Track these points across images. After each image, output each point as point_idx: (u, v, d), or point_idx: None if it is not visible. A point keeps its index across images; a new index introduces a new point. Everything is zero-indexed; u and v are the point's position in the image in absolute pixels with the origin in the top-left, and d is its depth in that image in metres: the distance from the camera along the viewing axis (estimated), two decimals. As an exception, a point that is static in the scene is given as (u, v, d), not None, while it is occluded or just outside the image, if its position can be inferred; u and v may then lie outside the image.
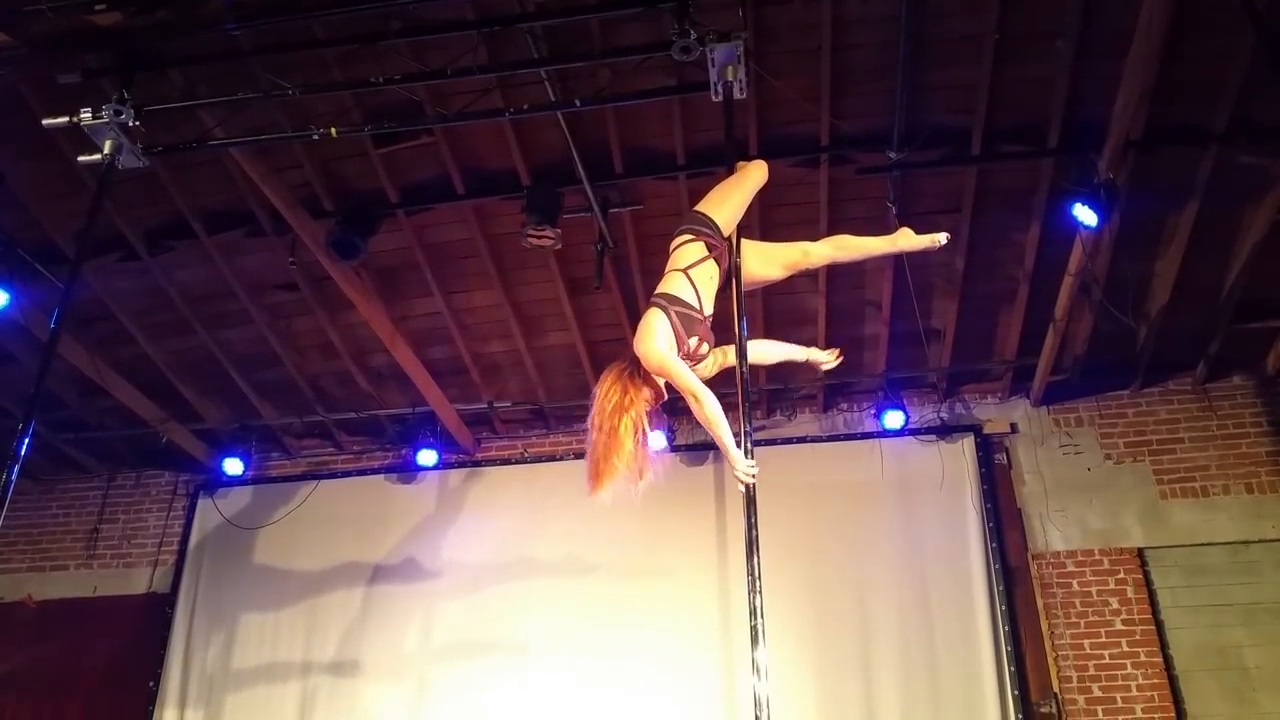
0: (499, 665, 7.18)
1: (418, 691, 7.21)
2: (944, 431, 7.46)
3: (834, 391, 7.76)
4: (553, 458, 8.05)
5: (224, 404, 7.92)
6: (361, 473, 8.23)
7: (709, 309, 3.52)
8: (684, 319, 3.42)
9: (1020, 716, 6.53)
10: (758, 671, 3.24)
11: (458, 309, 7.04)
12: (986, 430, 7.51)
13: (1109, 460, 7.33)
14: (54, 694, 7.69)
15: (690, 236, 3.59)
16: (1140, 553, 7.00)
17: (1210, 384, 7.35)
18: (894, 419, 7.30)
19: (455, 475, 8.06)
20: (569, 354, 7.37)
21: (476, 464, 8.12)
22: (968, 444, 7.41)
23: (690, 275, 3.50)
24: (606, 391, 3.44)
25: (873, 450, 7.49)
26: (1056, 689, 6.69)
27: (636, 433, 3.40)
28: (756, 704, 3.24)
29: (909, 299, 6.61)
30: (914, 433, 7.45)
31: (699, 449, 7.77)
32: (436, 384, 7.36)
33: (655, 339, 3.36)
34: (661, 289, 3.51)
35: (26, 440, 5.01)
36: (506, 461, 8.12)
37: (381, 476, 8.15)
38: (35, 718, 7.66)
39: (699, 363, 3.53)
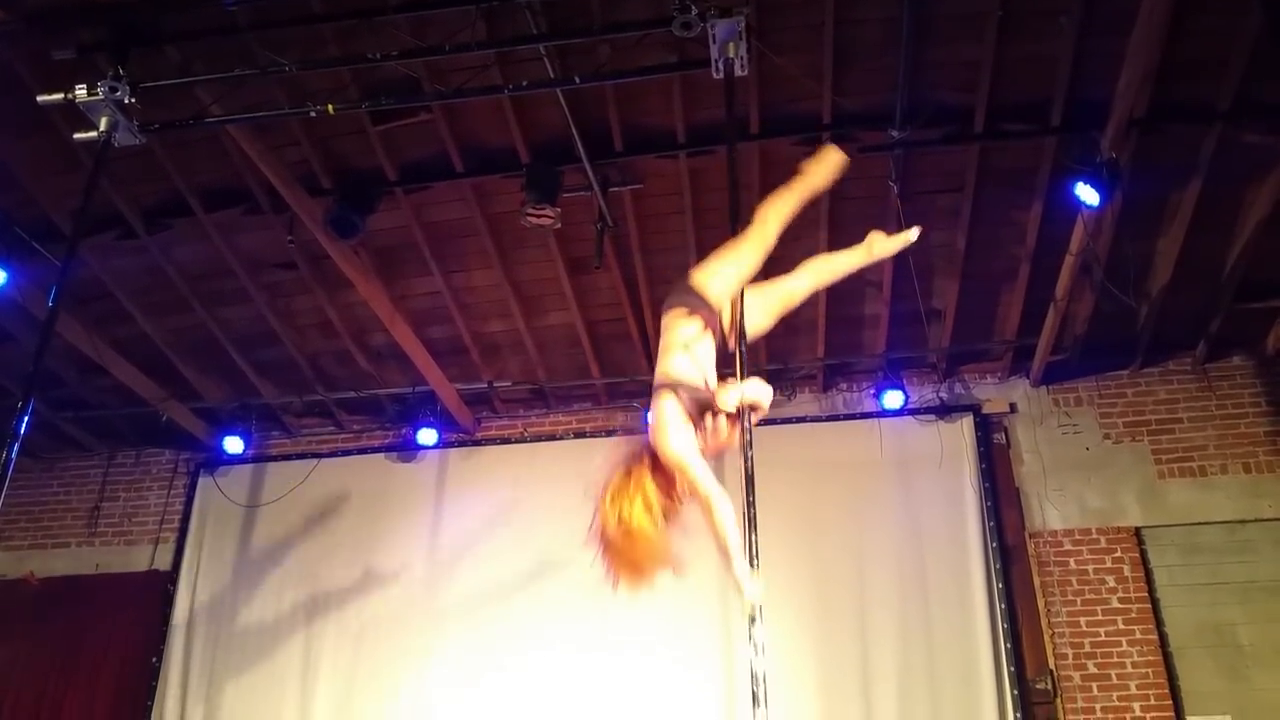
0: (501, 637, 7.22)
1: (420, 666, 7.26)
2: (943, 411, 7.47)
3: (833, 371, 7.76)
4: (552, 437, 8.07)
5: (223, 382, 7.92)
6: (362, 451, 8.24)
7: (714, 381, 3.29)
8: (695, 402, 3.18)
9: (1016, 692, 6.58)
10: (756, 647, 3.25)
11: (457, 288, 7.03)
12: (985, 410, 7.52)
13: (1107, 440, 7.35)
14: (58, 670, 7.72)
15: (684, 310, 3.34)
16: (1137, 531, 7.03)
17: (1210, 364, 7.35)
18: (893, 399, 7.31)
19: (455, 454, 8.06)
20: (569, 333, 7.36)
21: (476, 443, 8.13)
22: (966, 424, 7.43)
23: (690, 351, 3.25)
24: (613, 491, 3.10)
25: (872, 430, 7.50)
26: (1052, 665, 6.73)
27: (652, 514, 3.07)
28: (754, 679, 3.27)
29: (909, 279, 6.60)
30: (913, 413, 7.46)
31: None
32: (436, 363, 7.35)
33: (672, 432, 3.10)
34: (664, 370, 3.25)
35: (26, 418, 5.02)
36: (506, 441, 8.13)
37: (382, 455, 8.16)
38: (39, 694, 7.68)
39: (721, 437, 3.25)
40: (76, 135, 4.73)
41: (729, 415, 3.22)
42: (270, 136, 5.62)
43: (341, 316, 7.19)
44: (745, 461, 3.21)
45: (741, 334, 3.37)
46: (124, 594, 7.96)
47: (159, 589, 7.90)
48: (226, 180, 6.13)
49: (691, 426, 3.15)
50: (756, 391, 3.20)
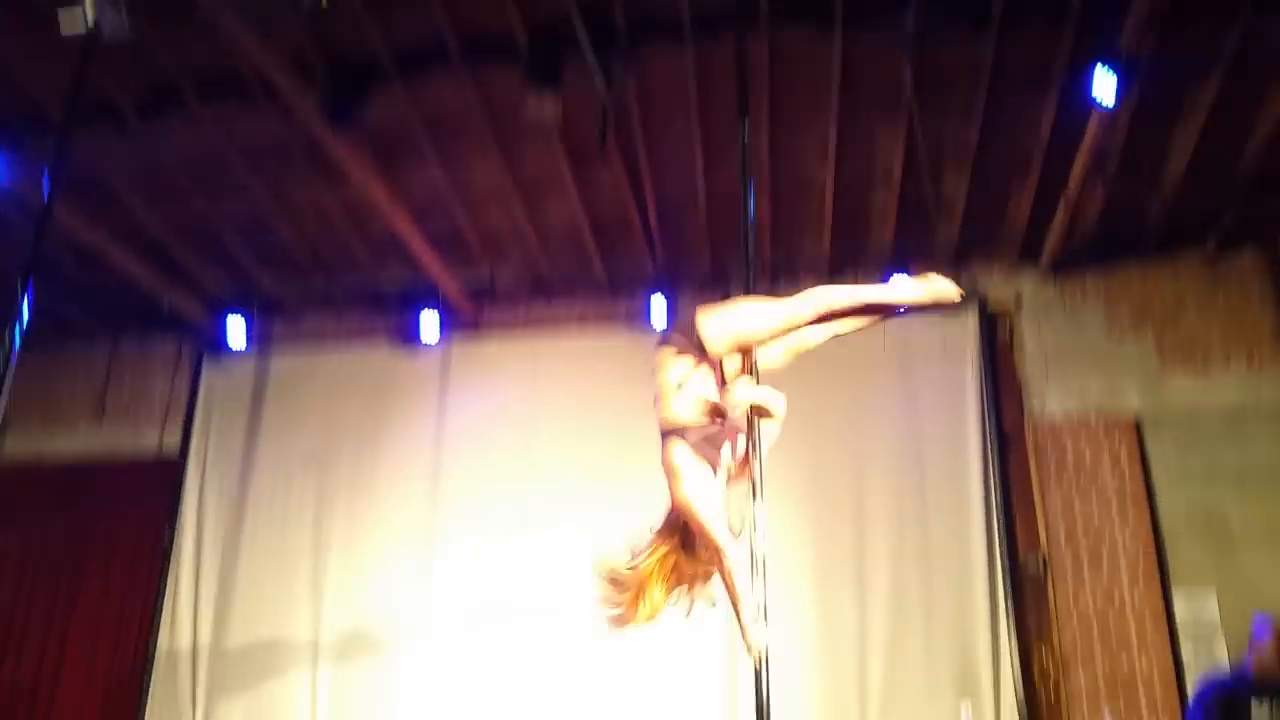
0: (504, 524, 7.39)
1: (425, 549, 7.45)
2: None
3: (840, 263, 7.69)
4: (554, 328, 8.06)
5: (223, 272, 7.86)
6: (363, 341, 8.24)
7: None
8: (706, 439, 3.18)
9: (1006, 574, 6.79)
10: (756, 528, 3.31)
11: (457, 179, 6.86)
12: (992, 301, 7.49)
13: (1113, 331, 7.34)
14: (73, 555, 7.93)
15: (673, 350, 3.27)
16: (1137, 420, 7.11)
17: (1220, 257, 7.29)
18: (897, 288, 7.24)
19: (458, 346, 8.05)
20: (571, 227, 7.25)
21: (479, 335, 8.13)
22: (971, 315, 7.41)
23: (683, 390, 3.20)
24: (659, 561, 3.18)
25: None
26: (1044, 548, 6.91)
27: (669, 591, 3.19)
28: (754, 559, 3.35)
29: (920, 168, 6.47)
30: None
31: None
32: (436, 255, 7.28)
33: (683, 479, 3.11)
34: (664, 416, 3.21)
35: (27, 302, 5.02)
36: (509, 331, 8.12)
37: (383, 345, 8.17)
38: (55, 579, 7.92)
39: (745, 465, 3.27)
40: (64, 26, 4.56)
41: (738, 428, 3.23)
42: (264, 23, 5.40)
43: (339, 206, 7.06)
44: (757, 465, 3.19)
45: (754, 365, 3.32)
46: (134, 479, 8.11)
47: (168, 474, 8.03)
48: (221, 69, 5.90)
49: (706, 465, 3.14)
50: (763, 398, 3.18)
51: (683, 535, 3.19)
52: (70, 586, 7.87)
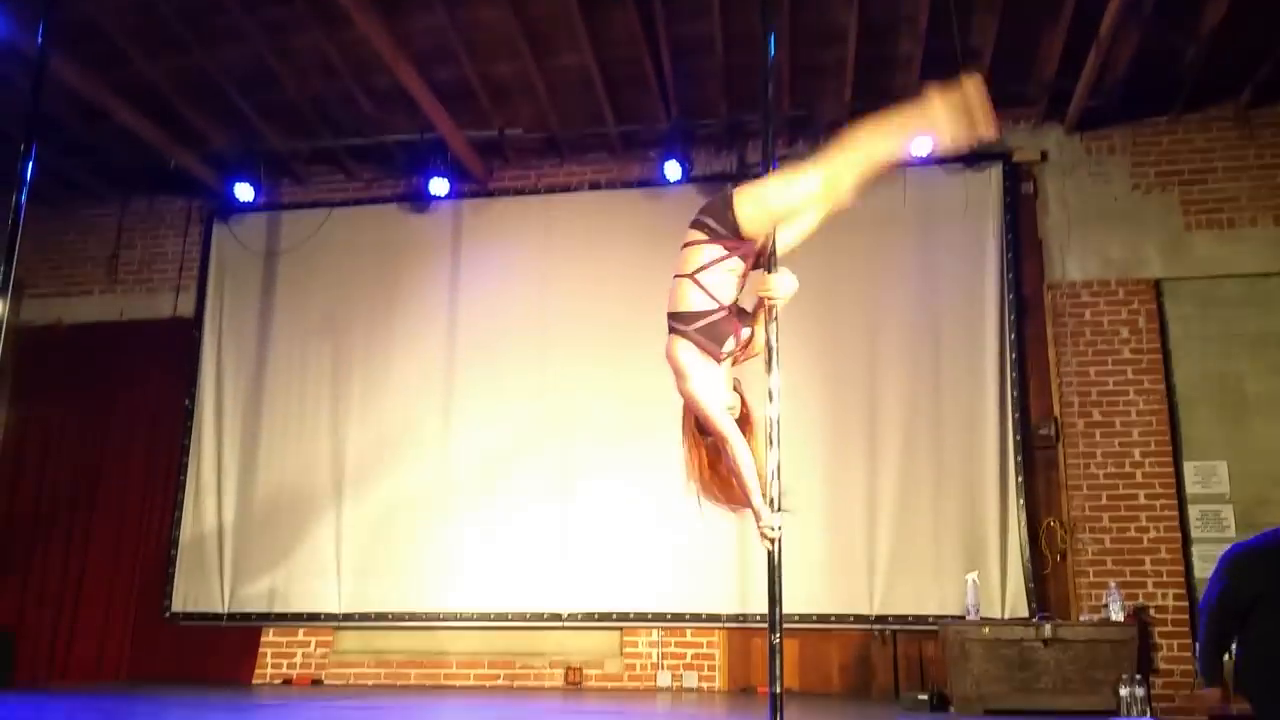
0: (518, 383, 7.45)
1: (442, 409, 7.53)
2: (972, 160, 7.23)
3: (860, 117, 7.42)
4: (566, 188, 7.94)
5: (228, 127, 7.71)
6: (373, 201, 8.16)
7: (730, 297, 3.21)
8: (708, 331, 3.16)
9: (1019, 438, 6.81)
10: (770, 395, 3.32)
11: (462, 24, 6.60)
12: (1016, 158, 7.30)
13: (1137, 190, 7.16)
14: (95, 415, 8.08)
15: (703, 236, 3.20)
16: (1157, 284, 7.01)
17: (1254, 111, 7.03)
18: (921, 145, 7.03)
19: (468, 205, 7.97)
20: (582, 76, 7.01)
21: (489, 194, 8.01)
22: (995, 172, 7.23)
23: (698, 280, 3.17)
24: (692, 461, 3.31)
25: (896, 179, 7.30)
26: (1057, 413, 6.91)
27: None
28: (768, 424, 3.36)
29: (947, 14, 6.18)
30: (940, 161, 7.23)
31: (715, 180, 7.61)
32: (444, 108, 7.09)
33: (689, 378, 3.15)
34: (671, 308, 3.21)
35: (31, 162, 4.94)
36: (520, 192, 8.00)
37: (394, 205, 8.08)
38: (79, 438, 8.08)
39: (747, 348, 3.28)
40: None
41: (751, 313, 3.26)
42: None
43: (342, 55, 6.83)
44: (769, 336, 3.19)
45: (772, 251, 3.24)
46: (151, 340, 8.18)
47: (185, 335, 8.09)
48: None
49: (709, 359, 3.16)
50: (781, 287, 3.18)
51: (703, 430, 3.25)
52: (95, 450, 8.03)
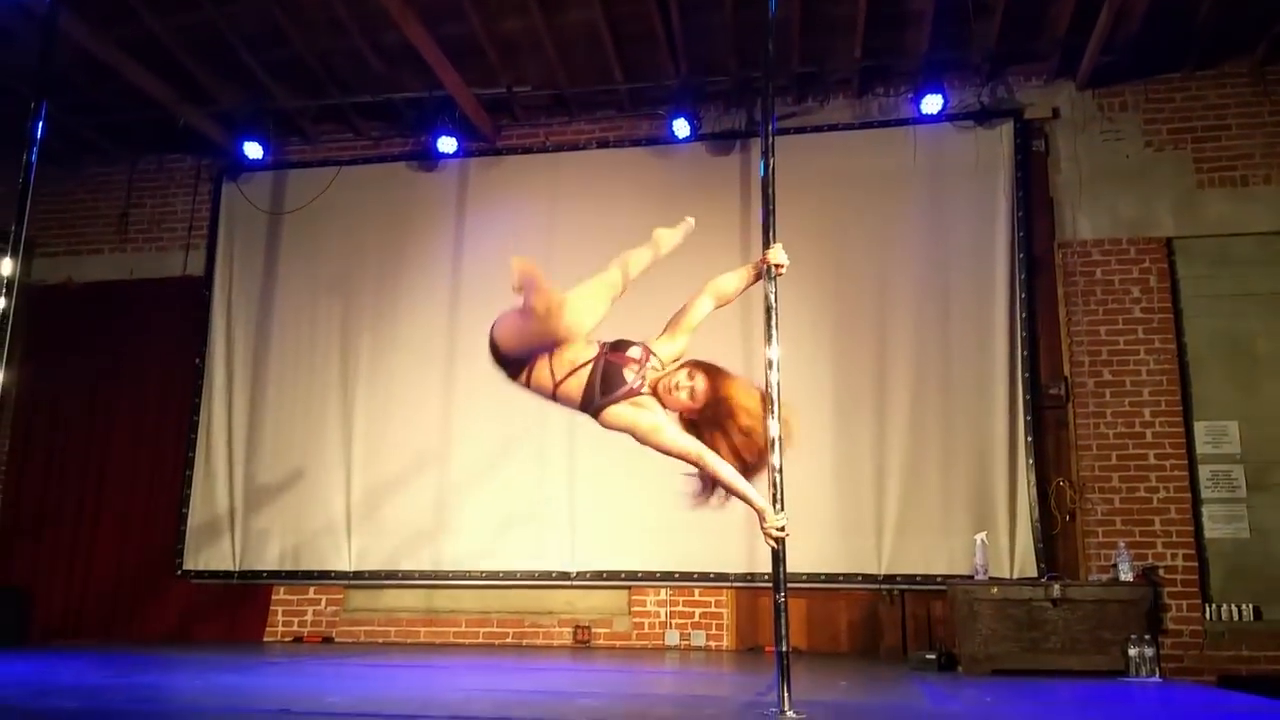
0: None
1: (451, 364, 7.53)
2: (983, 117, 7.18)
3: (870, 75, 7.40)
4: (574, 146, 7.90)
5: (237, 85, 7.68)
6: (382, 159, 8.14)
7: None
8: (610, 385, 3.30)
9: (1028, 397, 6.78)
10: (770, 364, 3.34)
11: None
12: (1027, 115, 7.24)
13: (1149, 147, 7.11)
14: (106, 374, 8.10)
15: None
16: (1169, 242, 6.96)
17: (1269, 67, 6.95)
18: (932, 103, 7.01)
19: (476, 164, 7.94)
20: (591, 32, 6.96)
21: (497, 152, 7.99)
22: (1006, 130, 7.17)
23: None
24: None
25: (906, 138, 7.28)
26: (1067, 373, 6.89)
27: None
28: (768, 387, 3.37)
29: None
30: (951, 118, 7.19)
31: (724, 138, 7.58)
32: (452, 65, 7.05)
33: (649, 431, 3.25)
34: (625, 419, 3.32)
35: (41, 121, 4.93)
36: (528, 150, 7.97)
37: (402, 163, 8.06)
38: (90, 397, 8.11)
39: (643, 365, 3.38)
40: None
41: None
42: None
43: (350, 12, 6.77)
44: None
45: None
46: (161, 299, 8.20)
47: (195, 293, 8.10)
48: None
49: (643, 407, 3.30)
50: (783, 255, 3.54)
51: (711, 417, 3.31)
52: (106, 409, 8.07)
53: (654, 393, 3.33)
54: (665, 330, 3.54)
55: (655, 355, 3.41)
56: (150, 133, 8.17)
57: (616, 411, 3.28)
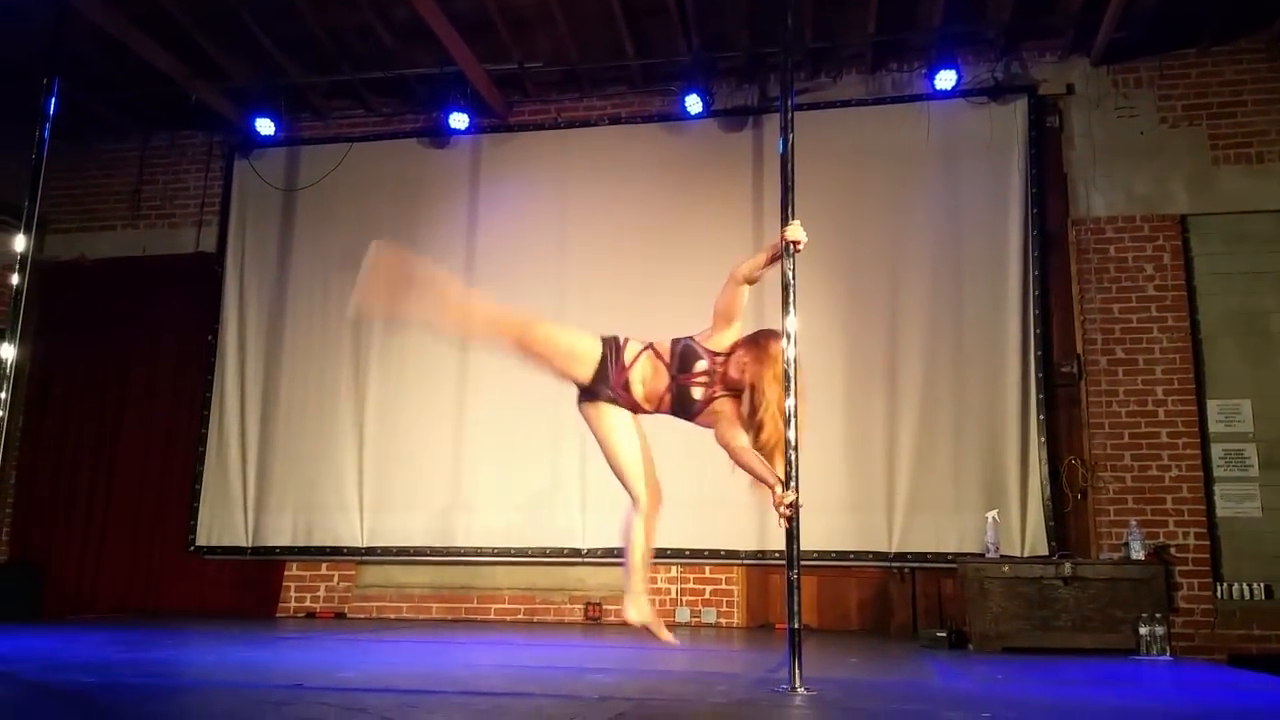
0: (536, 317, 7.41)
1: (463, 341, 7.51)
2: (997, 93, 7.13)
3: (884, 50, 7.34)
4: (586, 122, 7.87)
5: (248, 61, 7.66)
6: (393, 135, 8.12)
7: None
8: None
9: (1040, 375, 6.76)
10: (788, 338, 3.34)
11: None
12: (1041, 91, 7.18)
13: (1164, 124, 7.04)
14: (120, 349, 8.13)
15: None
16: (1183, 220, 6.91)
17: (1285, 43, 6.88)
18: (946, 79, 6.95)
19: (488, 140, 7.92)
20: (602, 7, 6.91)
21: (509, 129, 7.96)
22: (1020, 106, 7.11)
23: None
24: None
25: (920, 114, 7.22)
26: (1080, 350, 6.87)
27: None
28: (786, 362, 3.38)
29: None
30: (965, 94, 7.13)
31: (736, 114, 7.54)
32: (463, 41, 7.01)
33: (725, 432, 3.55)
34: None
35: (53, 98, 4.93)
36: (540, 127, 7.94)
37: (414, 140, 8.04)
38: (104, 372, 8.15)
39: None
40: None
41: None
42: None
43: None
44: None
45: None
46: (174, 275, 8.22)
47: (207, 270, 8.12)
48: None
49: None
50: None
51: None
52: (119, 386, 8.11)
53: (722, 379, 3.57)
54: (714, 327, 3.71)
55: (713, 353, 3.61)
56: (162, 109, 8.16)
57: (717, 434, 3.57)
